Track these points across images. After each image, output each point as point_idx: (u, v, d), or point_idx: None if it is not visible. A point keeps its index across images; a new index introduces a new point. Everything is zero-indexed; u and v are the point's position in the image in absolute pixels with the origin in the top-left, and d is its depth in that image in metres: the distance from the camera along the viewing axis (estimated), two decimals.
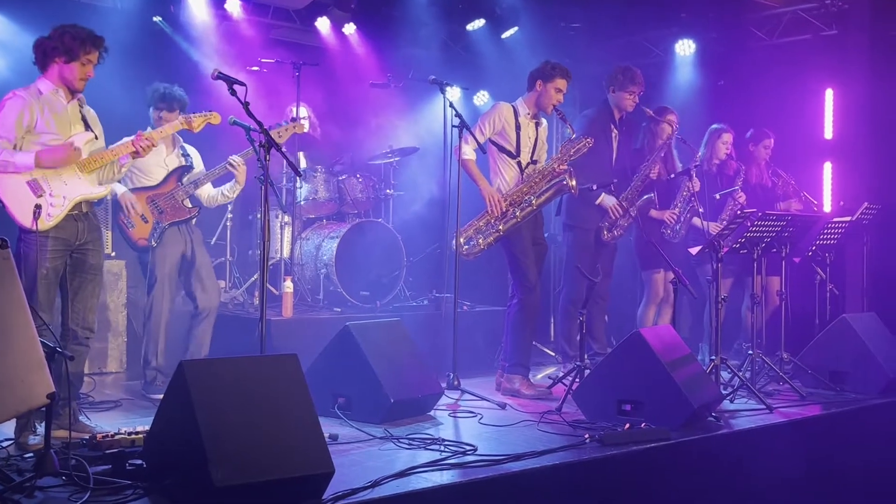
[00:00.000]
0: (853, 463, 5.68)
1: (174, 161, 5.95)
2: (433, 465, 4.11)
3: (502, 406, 5.58)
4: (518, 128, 6.20)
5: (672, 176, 7.16)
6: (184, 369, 3.50)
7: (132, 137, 4.96)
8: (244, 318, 6.98)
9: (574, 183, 6.09)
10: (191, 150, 6.09)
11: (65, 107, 4.65)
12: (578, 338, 6.00)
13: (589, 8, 8.86)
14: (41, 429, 4.16)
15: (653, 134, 7.17)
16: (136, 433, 4.16)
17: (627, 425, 4.78)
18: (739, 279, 7.39)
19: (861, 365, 6.33)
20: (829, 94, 8.45)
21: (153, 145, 4.93)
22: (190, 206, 5.92)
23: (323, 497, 3.54)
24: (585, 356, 5.95)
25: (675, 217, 7.12)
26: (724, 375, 6.19)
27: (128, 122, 5.95)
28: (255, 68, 7.71)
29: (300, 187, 7.70)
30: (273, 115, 7.85)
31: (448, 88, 6.45)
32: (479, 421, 5.21)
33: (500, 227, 6.10)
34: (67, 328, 4.70)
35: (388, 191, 8.27)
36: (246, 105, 4.52)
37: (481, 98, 9.57)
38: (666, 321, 6.94)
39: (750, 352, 6.40)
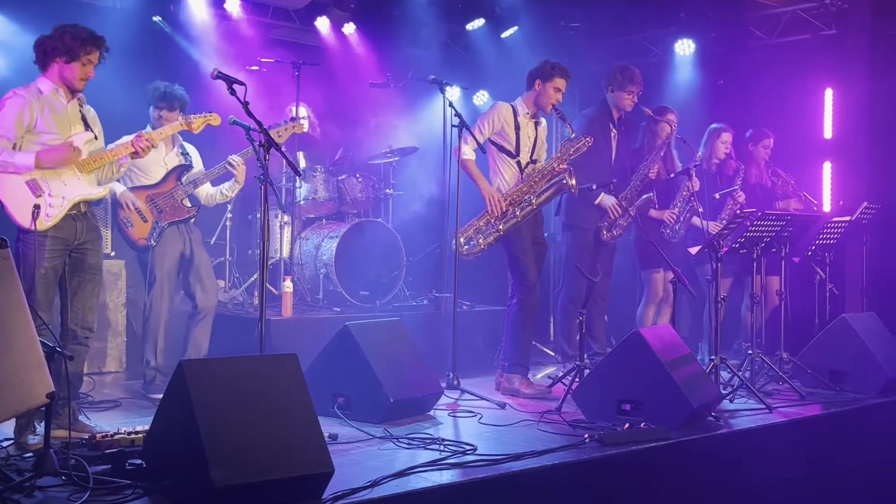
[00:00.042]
0: (853, 463, 5.69)
1: (174, 160, 5.95)
2: (433, 464, 4.11)
3: (502, 406, 5.58)
4: (517, 127, 6.20)
5: (672, 175, 7.16)
6: (183, 369, 3.50)
7: (132, 137, 4.96)
8: (244, 317, 6.98)
9: (574, 182, 6.09)
10: (190, 148, 6.09)
11: (65, 106, 4.65)
12: (578, 337, 6.00)
13: (589, 7, 8.86)
14: (41, 428, 4.17)
15: (652, 133, 7.17)
16: (136, 433, 4.16)
17: (627, 425, 4.77)
18: (739, 279, 7.39)
19: (860, 364, 6.33)
20: (829, 94, 8.45)
21: (153, 146, 4.93)
22: (189, 205, 5.92)
23: (322, 497, 3.53)
24: (585, 356, 5.95)
25: (674, 217, 7.12)
26: (724, 375, 6.19)
27: (127, 121, 5.96)
28: (255, 68, 7.71)
29: (300, 187, 7.70)
30: (273, 114, 7.85)
31: (448, 88, 6.45)
32: (478, 420, 5.21)
33: (501, 227, 6.10)
34: (67, 328, 4.70)
35: (387, 190, 8.27)
36: (245, 105, 4.52)
37: (481, 98, 9.57)
38: (665, 321, 6.94)
39: (749, 351, 6.40)
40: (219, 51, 7.91)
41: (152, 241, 5.78)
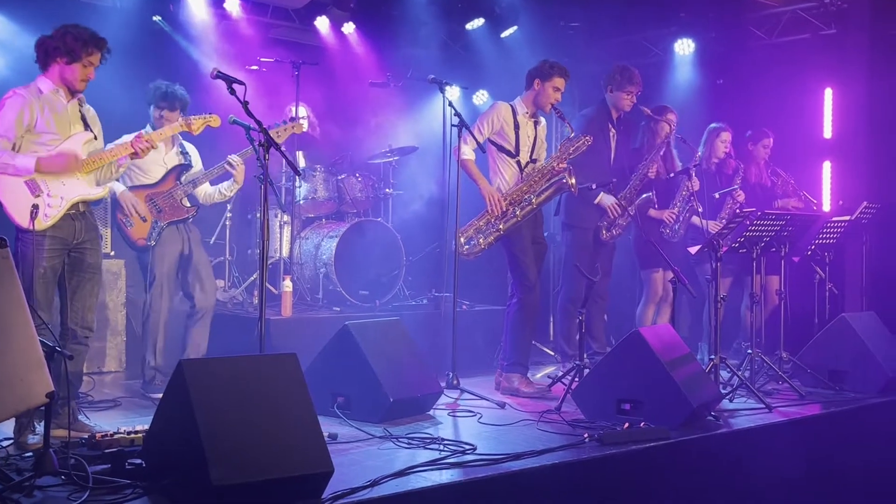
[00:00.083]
0: (852, 462, 5.69)
1: (173, 159, 5.94)
2: (432, 464, 4.10)
3: (501, 405, 5.58)
4: (517, 127, 6.20)
5: (671, 175, 7.16)
6: (183, 368, 3.50)
7: (131, 137, 4.96)
8: (243, 317, 6.98)
9: (574, 181, 6.09)
10: (189, 147, 6.09)
11: (65, 106, 4.64)
12: (578, 337, 5.99)
13: (588, 7, 8.86)
14: (40, 428, 4.17)
15: (652, 133, 7.16)
16: (136, 432, 4.16)
17: (627, 424, 4.77)
18: (738, 278, 7.39)
19: (860, 364, 6.33)
20: (829, 94, 8.45)
21: (152, 147, 4.93)
22: (188, 205, 5.91)
23: (322, 496, 3.53)
24: (584, 355, 5.95)
25: (673, 216, 7.12)
26: (724, 375, 6.19)
27: (127, 120, 5.97)
28: (255, 67, 7.71)
29: (299, 186, 7.70)
30: (272, 114, 7.85)
31: (447, 88, 6.44)
32: (478, 420, 5.21)
33: (501, 227, 6.10)
34: (66, 327, 4.70)
35: (387, 190, 8.27)
36: (245, 104, 4.52)
37: (480, 97, 9.57)
38: (665, 320, 6.94)
39: (749, 351, 6.40)
40: (218, 50, 7.91)
41: (151, 241, 5.78)
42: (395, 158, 8.26)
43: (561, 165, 6.16)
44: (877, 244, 7.74)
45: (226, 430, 3.40)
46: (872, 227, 7.58)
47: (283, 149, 4.71)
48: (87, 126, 4.73)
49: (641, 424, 4.79)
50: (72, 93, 4.65)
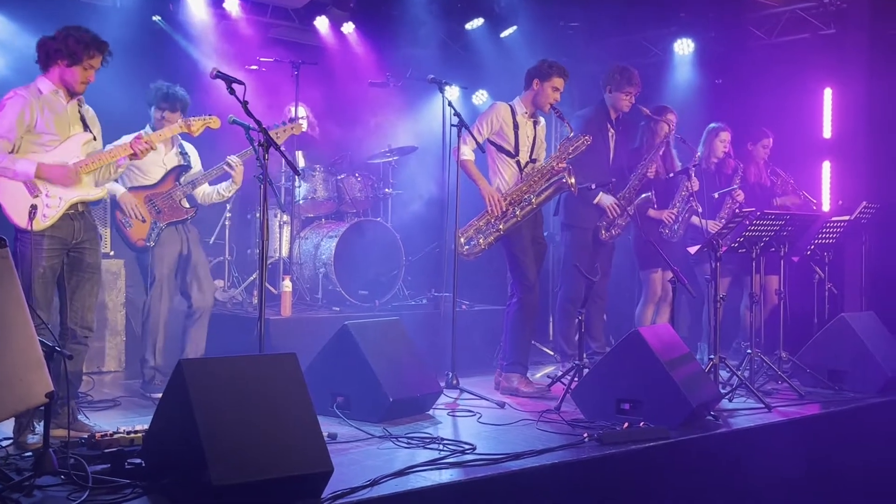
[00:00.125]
0: (852, 462, 5.69)
1: (172, 160, 5.94)
2: (432, 464, 4.10)
3: (501, 405, 5.58)
4: (516, 127, 6.20)
5: (671, 175, 7.16)
6: (182, 368, 3.50)
7: (131, 138, 4.96)
8: (243, 317, 6.98)
9: (573, 181, 6.09)
10: (189, 148, 6.08)
11: (64, 107, 4.64)
12: (577, 337, 6.00)
13: (588, 7, 8.86)
14: (40, 428, 4.17)
15: (652, 133, 7.16)
16: (135, 432, 4.16)
17: (626, 424, 4.78)
18: (738, 278, 7.39)
19: (860, 364, 6.34)
20: (828, 94, 8.45)
21: (152, 148, 4.93)
22: (187, 206, 5.91)
23: (322, 496, 3.53)
24: (584, 355, 5.95)
25: (673, 217, 7.13)
26: (723, 374, 6.19)
27: (127, 120, 5.97)
28: (254, 67, 7.71)
29: (299, 186, 7.70)
30: (272, 114, 7.86)
31: (447, 87, 6.44)
32: (477, 420, 5.21)
33: (501, 227, 6.10)
34: (66, 327, 4.71)
35: (386, 190, 8.27)
36: (245, 104, 4.52)
37: (480, 97, 9.57)
38: (665, 320, 6.94)
39: (749, 351, 6.40)
40: (218, 50, 7.91)
41: (150, 242, 5.78)
42: (395, 158, 8.26)
43: (560, 165, 6.16)
44: (876, 244, 7.74)
45: (225, 429, 3.40)
46: (872, 226, 7.59)
47: (282, 149, 4.71)
48: (86, 127, 4.74)
49: (641, 424, 4.80)
50: (71, 94, 4.65)
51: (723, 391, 5.84)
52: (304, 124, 7.82)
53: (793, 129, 8.23)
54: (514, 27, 9.11)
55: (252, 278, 7.54)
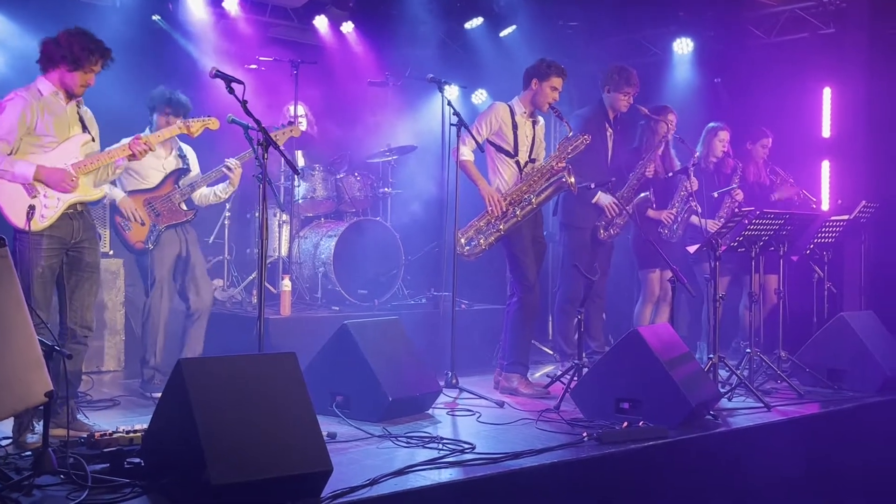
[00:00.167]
0: (851, 461, 5.69)
1: (171, 163, 5.94)
2: (431, 463, 4.11)
3: (500, 404, 5.58)
4: (515, 127, 6.20)
5: (670, 174, 7.16)
6: (182, 368, 3.50)
7: (129, 140, 4.96)
8: (242, 316, 6.98)
9: (573, 180, 6.09)
10: (187, 149, 6.08)
11: (64, 109, 4.65)
12: (576, 336, 6.00)
13: (587, 6, 8.86)
14: (39, 427, 4.16)
15: (651, 132, 7.15)
16: (134, 432, 4.16)
17: (625, 424, 4.78)
18: (737, 277, 7.38)
19: (859, 363, 6.34)
20: (827, 93, 8.45)
21: (150, 149, 4.93)
22: (186, 208, 5.91)
23: (321, 495, 3.54)
24: (583, 354, 5.95)
25: (672, 217, 7.12)
26: (722, 374, 6.19)
27: (127, 119, 5.97)
28: (253, 66, 7.71)
29: (298, 186, 7.70)
30: (271, 113, 7.86)
31: (446, 87, 6.44)
32: (477, 419, 5.21)
33: (501, 227, 6.10)
34: (66, 327, 4.71)
35: (386, 189, 8.27)
36: (244, 103, 4.51)
37: (479, 96, 9.57)
38: (664, 319, 6.94)
39: (748, 350, 6.40)
40: (217, 49, 7.90)
41: (149, 245, 5.78)
42: (394, 158, 8.26)
43: (560, 165, 6.16)
44: (875, 243, 7.74)
45: (225, 429, 3.41)
46: (871, 226, 7.59)
47: (281, 148, 4.71)
48: (85, 128, 4.74)
49: (640, 423, 4.80)
50: (70, 96, 4.65)
51: (722, 390, 5.84)
52: (304, 123, 7.85)
53: (792, 128, 8.22)
54: (514, 26, 9.11)
55: (251, 278, 7.54)
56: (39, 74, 4.64)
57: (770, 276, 7.09)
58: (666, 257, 6.19)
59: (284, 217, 7.70)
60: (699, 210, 7.02)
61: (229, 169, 5.86)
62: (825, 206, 8.19)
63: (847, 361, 6.39)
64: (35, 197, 4.51)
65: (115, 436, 4.12)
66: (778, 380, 6.27)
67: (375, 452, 4.36)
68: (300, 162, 7.87)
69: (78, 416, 4.79)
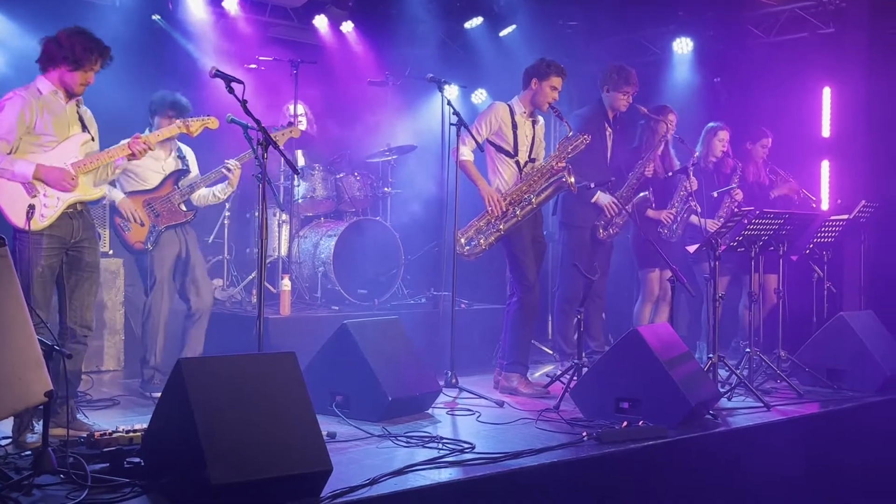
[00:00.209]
0: (851, 461, 5.69)
1: (171, 165, 5.94)
2: (431, 462, 4.11)
3: (500, 404, 5.58)
4: (514, 126, 6.19)
5: (670, 174, 7.16)
6: (181, 367, 3.49)
7: (129, 140, 4.96)
8: (242, 316, 6.98)
9: (573, 180, 6.08)
10: (186, 150, 6.08)
11: (63, 108, 4.65)
12: (576, 336, 6.00)
13: (587, 6, 8.87)
14: (39, 427, 4.16)
15: (652, 131, 7.16)
16: (134, 431, 4.16)
17: (625, 423, 4.77)
18: (737, 277, 7.39)
19: (858, 363, 6.34)
20: (827, 93, 8.45)
21: (149, 148, 4.93)
22: (185, 209, 5.90)
23: (321, 495, 3.53)
24: (583, 354, 5.95)
25: (671, 217, 7.13)
26: (722, 373, 6.19)
27: (126, 119, 5.97)
28: (253, 66, 7.71)
29: (298, 185, 7.70)
30: (271, 113, 7.86)
31: (446, 86, 6.44)
32: (476, 419, 5.21)
33: (501, 227, 6.10)
34: (65, 326, 4.71)
35: (385, 189, 8.27)
36: (244, 103, 4.51)
37: (479, 96, 9.57)
38: (664, 319, 6.94)
39: (747, 350, 6.40)
40: (217, 49, 7.91)
41: (149, 245, 5.78)
42: (394, 157, 8.26)
43: (560, 164, 6.15)
44: (875, 243, 7.74)
45: (224, 428, 3.40)
46: (871, 225, 7.59)
47: (281, 148, 4.70)
48: (84, 127, 4.74)
49: (640, 423, 4.80)
50: (70, 95, 4.65)
51: (721, 390, 5.84)
52: (304, 122, 7.85)
53: (792, 128, 8.23)
54: (513, 26, 9.11)
55: (251, 277, 7.55)
56: (39, 74, 4.64)
57: (770, 276, 7.09)
58: (665, 257, 6.20)
59: (284, 217, 7.70)
60: (699, 210, 7.02)
61: (229, 170, 5.87)
62: (825, 206, 8.19)
63: (846, 361, 6.39)
64: (35, 196, 4.51)
65: (114, 435, 4.12)
66: (777, 379, 6.27)
67: (375, 452, 4.36)
68: (300, 161, 7.87)
69: (78, 416, 4.79)
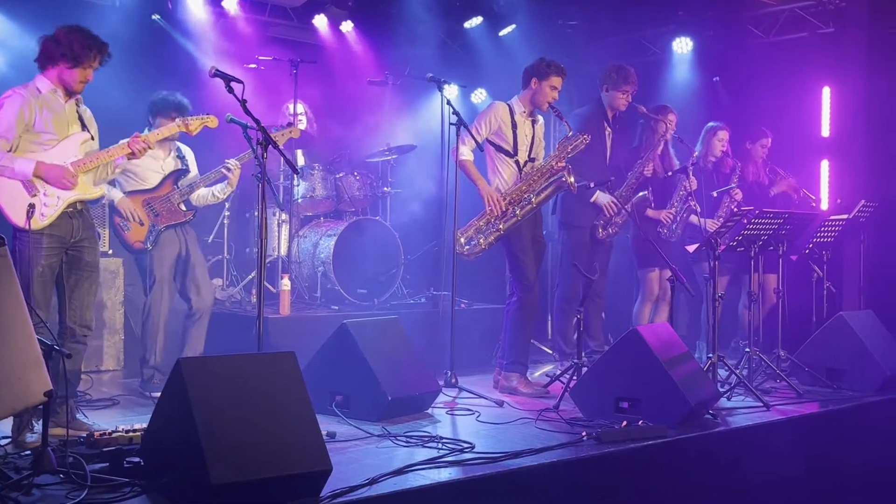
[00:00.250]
0: (850, 460, 5.69)
1: (170, 165, 5.93)
2: (431, 462, 4.11)
3: (500, 404, 5.59)
4: (514, 126, 6.19)
5: (669, 174, 7.16)
6: (181, 367, 3.49)
7: (128, 139, 4.95)
8: (241, 315, 6.98)
9: (573, 180, 6.08)
10: (186, 150, 6.08)
11: (63, 106, 4.65)
12: (576, 336, 6.00)
13: (587, 6, 8.87)
14: (38, 426, 4.16)
15: (651, 131, 7.16)
16: (134, 431, 4.16)
17: (625, 423, 4.77)
18: (736, 277, 7.39)
19: (858, 362, 6.34)
20: (827, 92, 8.45)
21: (149, 147, 4.93)
22: (185, 209, 5.90)
23: (320, 495, 3.54)
24: (583, 354, 5.95)
25: (671, 217, 7.13)
26: (722, 373, 6.19)
27: (125, 119, 5.97)
28: (253, 66, 7.71)
29: (297, 185, 7.70)
30: (271, 112, 7.86)
31: (445, 86, 6.43)
32: (476, 418, 5.21)
33: (501, 227, 6.10)
34: (65, 326, 4.71)
35: (385, 188, 8.27)
36: (243, 103, 4.51)
37: (479, 96, 9.57)
38: (663, 319, 6.94)
39: (747, 349, 6.40)
40: (217, 49, 7.91)
41: (148, 245, 5.78)
42: (394, 157, 8.26)
43: (560, 164, 6.15)
44: (875, 242, 7.74)
45: (224, 428, 3.40)
46: (870, 225, 7.59)
47: (281, 147, 4.70)
48: (84, 126, 4.74)
49: (639, 423, 4.80)
50: (69, 93, 4.65)
51: (721, 390, 5.84)
52: (304, 121, 7.85)
53: (791, 127, 8.23)
54: (513, 26, 9.11)
55: (250, 277, 7.55)
56: (38, 73, 4.64)
57: (769, 276, 7.09)
58: (665, 257, 6.19)
59: (284, 216, 7.70)
60: (698, 209, 7.02)
61: (228, 170, 5.87)
62: (824, 206, 8.19)
63: (846, 361, 6.39)
64: (35, 195, 4.51)
65: (114, 435, 4.12)
66: (777, 379, 6.27)
67: (375, 452, 4.37)
68: (300, 161, 7.87)
69: (77, 416, 4.79)
